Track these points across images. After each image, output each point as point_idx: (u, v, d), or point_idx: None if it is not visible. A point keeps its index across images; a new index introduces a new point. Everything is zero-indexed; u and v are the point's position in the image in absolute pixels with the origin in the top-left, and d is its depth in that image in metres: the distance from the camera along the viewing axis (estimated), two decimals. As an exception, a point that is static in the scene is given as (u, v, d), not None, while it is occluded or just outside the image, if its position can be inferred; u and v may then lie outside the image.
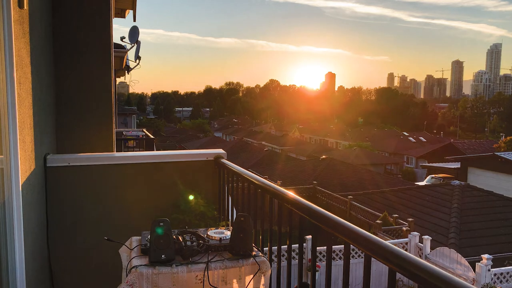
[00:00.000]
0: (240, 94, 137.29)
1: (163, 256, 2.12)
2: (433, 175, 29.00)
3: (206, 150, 3.79)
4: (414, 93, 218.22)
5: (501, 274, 9.63)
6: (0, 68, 2.26)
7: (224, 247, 2.28)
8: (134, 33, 7.35)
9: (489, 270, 9.31)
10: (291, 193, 2.30)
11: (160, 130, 61.68)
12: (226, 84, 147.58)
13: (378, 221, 14.52)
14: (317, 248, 2.21)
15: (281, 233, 2.47)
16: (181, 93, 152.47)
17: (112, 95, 3.91)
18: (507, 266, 10.34)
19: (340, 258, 10.03)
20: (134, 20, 7.90)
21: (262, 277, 2.24)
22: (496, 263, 9.91)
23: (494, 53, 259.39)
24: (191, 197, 3.44)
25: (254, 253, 2.26)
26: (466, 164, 25.53)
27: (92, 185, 3.26)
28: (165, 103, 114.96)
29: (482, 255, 9.58)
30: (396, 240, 11.88)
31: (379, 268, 8.54)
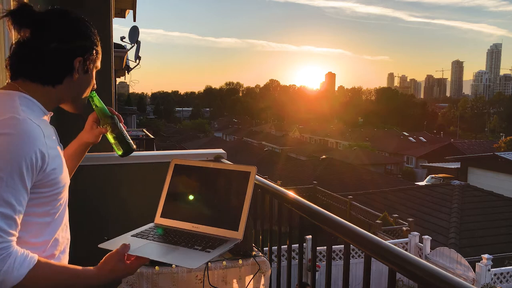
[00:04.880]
0: (240, 94, 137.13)
1: (163, 256, 2.12)
2: (433, 175, 28.98)
3: (206, 150, 3.79)
4: (414, 93, 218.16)
5: (501, 274, 9.63)
6: (0, 68, 2.26)
7: (224, 247, 2.28)
8: (134, 33, 7.36)
9: (489, 270, 9.31)
10: (291, 193, 2.30)
11: (160, 130, 61.67)
12: (226, 84, 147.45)
13: (378, 221, 14.52)
14: (317, 248, 2.21)
15: (281, 233, 2.47)
16: (181, 93, 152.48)
17: (112, 95, 3.91)
18: (507, 266, 10.34)
19: (340, 258, 10.03)
20: (134, 20, 7.91)
21: (262, 277, 2.24)
22: (496, 263, 9.91)
23: (494, 53, 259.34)
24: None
25: (254, 253, 2.26)
26: (466, 164, 25.53)
27: (92, 185, 3.26)
28: (165, 103, 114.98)
29: (482, 255, 9.58)
30: (396, 240, 11.88)
31: (379, 268, 8.54)
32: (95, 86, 1.38)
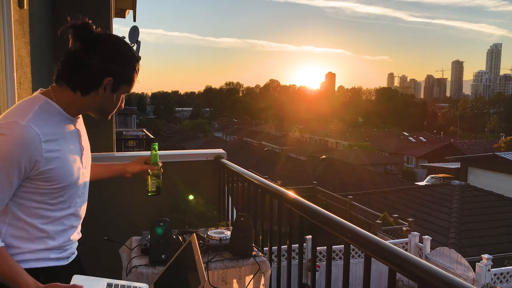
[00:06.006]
0: (240, 94, 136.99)
1: (163, 256, 2.12)
2: (433, 175, 28.97)
3: (206, 150, 3.79)
4: (414, 93, 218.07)
5: (501, 274, 9.63)
6: (0, 68, 2.26)
7: (224, 247, 2.28)
8: (134, 33, 7.33)
9: (489, 270, 9.31)
10: (291, 193, 2.30)
11: (160, 130, 61.61)
12: (226, 84, 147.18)
13: (378, 221, 14.52)
14: (317, 248, 2.21)
15: (281, 233, 2.47)
16: (181, 93, 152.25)
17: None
18: (507, 266, 10.34)
19: (340, 258, 10.03)
20: (134, 20, 7.91)
21: (262, 277, 2.24)
22: (496, 263, 9.91)
23: (494, 53, 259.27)
24: (191, 197, 3.44)
25: (254, 253, 2.26)
26: (466, 164, 25.49)
27: (92, 185, 3.25)
28: (165, 103, 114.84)
29: (482, 255, 9.57)
30: (396, 240, 11.88)
31: (379, 268, 8.54)
32: (122, 107, 1.58)
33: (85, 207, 1.67)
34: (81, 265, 1.69)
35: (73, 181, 1.48)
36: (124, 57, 1.48)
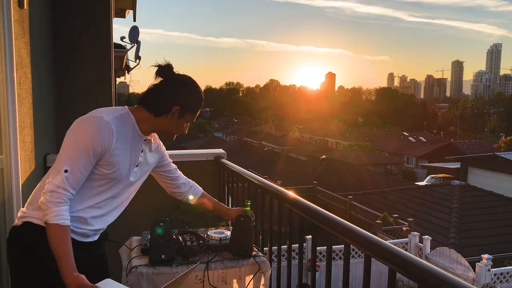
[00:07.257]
0: (240, 94, 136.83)
1: (163, 256, 2.12)
2: (433, 175, 28.97)
3: (206, 150, 3.80)
4: (414, 93, 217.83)
5: (501, 274, 9.63)
6: (0, 68, 2.26)
7: (224, 247, 2.28)
8: (134, 33, 7.33)
9: (489, 270, 9.31)
10: (291, 193, 2.31)
11: (160, 130, 61.47)
12: (226, 84, 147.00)
13: (378, 221, 14.52)
14: (317, 248, 2.21)
15: (281, 233, 2.47)
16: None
17: (112, 95, 3.91)
18: (507, 266, 10.34)
19: (340, 258, 10.02)
20: (134, 20, 7.92)
21: (262, 277, 2.24)
22: (496, 263, 9.91)
23: (494, 53, 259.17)
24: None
25: (254, 253, 2.26)
26: (466, 164, 25.50)
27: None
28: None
29: (482, 255, 9.57)
30: (396, 240, 11.88)
31: (379, 268, 8.54)
32: (185, 132, 1.95)
33: (117, 213, 1.99)
34: (98, 252, 1.97)
35: (122, 176, 1.82)
36: (190, 93, 1.86)
